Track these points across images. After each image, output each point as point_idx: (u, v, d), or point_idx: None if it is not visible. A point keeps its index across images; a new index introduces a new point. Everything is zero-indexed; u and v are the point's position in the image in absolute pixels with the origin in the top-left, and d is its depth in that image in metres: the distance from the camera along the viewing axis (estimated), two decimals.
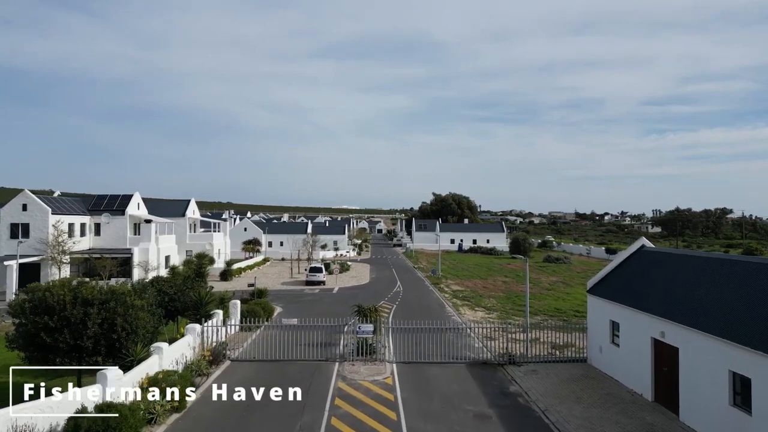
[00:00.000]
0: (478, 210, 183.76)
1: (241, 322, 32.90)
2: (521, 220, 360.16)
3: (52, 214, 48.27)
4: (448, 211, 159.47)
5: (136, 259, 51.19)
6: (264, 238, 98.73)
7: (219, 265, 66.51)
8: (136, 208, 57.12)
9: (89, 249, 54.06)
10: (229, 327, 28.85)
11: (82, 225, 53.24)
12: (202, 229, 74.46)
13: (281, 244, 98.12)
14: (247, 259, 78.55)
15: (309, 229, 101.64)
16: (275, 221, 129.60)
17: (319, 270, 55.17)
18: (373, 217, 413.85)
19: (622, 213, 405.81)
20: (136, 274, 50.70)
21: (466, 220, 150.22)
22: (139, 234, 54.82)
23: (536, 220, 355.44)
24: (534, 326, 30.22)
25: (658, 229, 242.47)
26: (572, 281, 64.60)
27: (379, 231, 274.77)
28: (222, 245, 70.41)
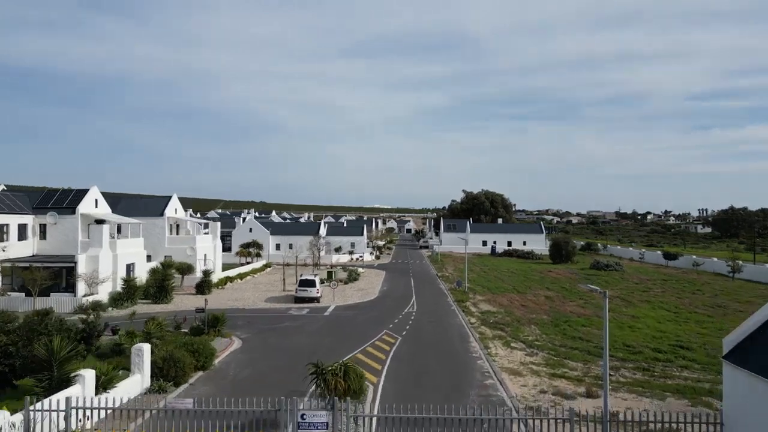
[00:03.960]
0: (513, 209, 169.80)
1: (152, 378, 21.66)
2: (558, 219, 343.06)
3: None
4: (481, 209, 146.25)
5: (81, 269, 40.82)
6: (270, 240, 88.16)
7: (215, 273, 55.87)
8: (92, 206, 46.92)
9: (32, 255, 44.06)
10: (94, 407, 17.15)
11: (21, 226, 43.26)
12: (205, 231, 64.16)
13: (290, 246, 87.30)
14: (242, 265, 67.87)
15: (322, 230, 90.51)
16: (286, 221, 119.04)
17: (310, 284, 43.69)
18: (403, 216, 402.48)
19: (666, 212, 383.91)
20: (81, 288, 40.29)
21: (500, 220, 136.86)
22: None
23: (574, 220, 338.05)
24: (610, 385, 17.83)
25: (707, 230, 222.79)
26: (632, 297, 51.37)
27: (408, 231, 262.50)
28: (209, 249, 59.90)
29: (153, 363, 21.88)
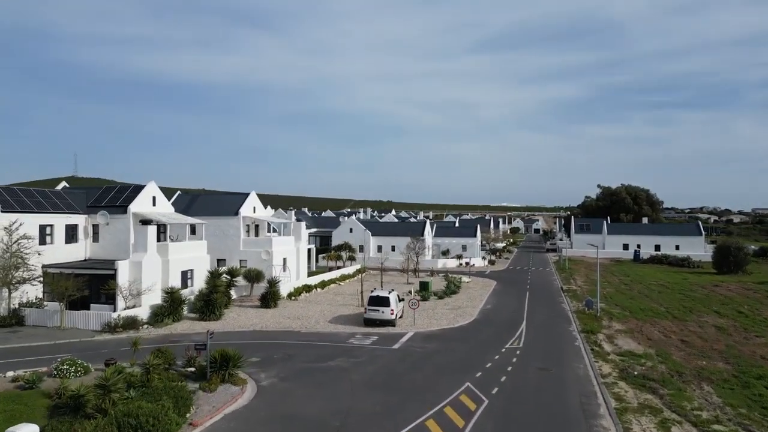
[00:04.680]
0: (661, 207, 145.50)
1: None
2: (716, 218, 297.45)
3: (3, 211, 34.08)
4: (621, 207, 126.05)
5: (122, 278, 35.12)
6: (372, 242, 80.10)
7: (289, 281, 48.99)
8: (148, 204, 41.56)
9: (84, 260, 39.62)
10: None
11: (70, 227, 38.88)
12: (274, 233, 57.67)
13: (392, 248, 78.54)
14: (331, 270, 60.16)
15: (427, 230, 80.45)
16: (397, 220, 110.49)
17: (382, 302, 33.81)
18: (533, 215, 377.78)
19: None
20: (120, 302, 34.50)
21: (645, 220, 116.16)
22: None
23: (736, 219, 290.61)
24: None
25: None
26: None
27: (536, 231, 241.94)
28: (290, 253, 52.80)
29: None
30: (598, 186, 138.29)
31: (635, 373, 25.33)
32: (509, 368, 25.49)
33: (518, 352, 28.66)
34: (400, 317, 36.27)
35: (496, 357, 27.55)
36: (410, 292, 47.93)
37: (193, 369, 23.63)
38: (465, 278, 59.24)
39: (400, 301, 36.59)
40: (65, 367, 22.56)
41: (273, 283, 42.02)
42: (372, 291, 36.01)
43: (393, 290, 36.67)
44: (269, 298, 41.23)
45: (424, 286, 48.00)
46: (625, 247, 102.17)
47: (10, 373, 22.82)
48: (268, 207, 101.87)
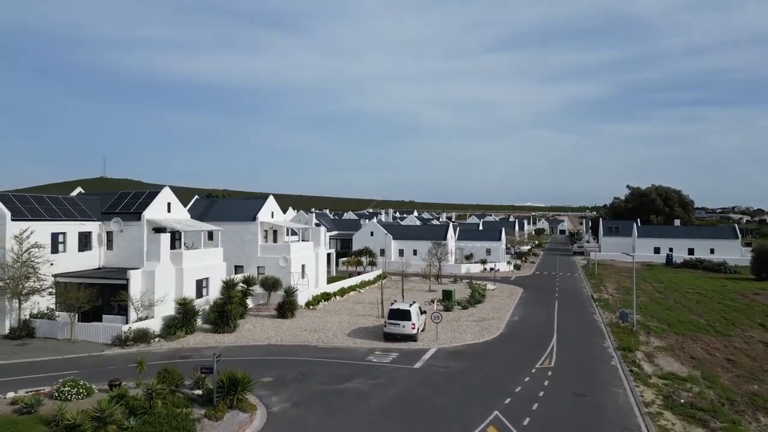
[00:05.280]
0: (693, 208, 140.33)
1: None
2: (749, 218, 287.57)
3: (12, 219, 33.19)
4: (650, 208, 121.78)
5: (134, 289, 33.96)
6: (393, 246, 78.24)
7: (307, 289, 47.63)
8: (163, 210, 40.44)
9: (98, 268, 38.68)
10: None
11: (84, 235, 37.93)
12: (294, 238, 56.24)
13: (414, 252, 76.56)
14: (351, 276, 58.52)
15: (450, 234, 78.25)
16: (419, 222, 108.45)
17: (403, 315, 31.90)
18: (558, 215, 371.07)
19: None
20: (132, 313, 33.34)
21: (677, 222, 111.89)
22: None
23: None
24: None
25: None
26: None
27: (562, 232, 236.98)
28: (309, 259, 51.30)
29: None
30: (627, 187, 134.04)
31: (682, 400, 22.99)
32: (541, 393, 23.39)
33: (550, 374, 26.51)
34: (422, 330, 34.36)
35: (526, 379, 25.46)
36: (432, 301, 45.95)
37: (200, 392, 22.12)
38: (490, 285, 56.99)
39: (422, 313, 34.66)
40: (67, 388, 21.31)
41: (290, 293, 40.49)
42: (392, 303, 34.15)
43: (414, 302, 34.74)
44: (286, 308, 39.74)
45: (447, 295, 45.97)
46: (657, 250, 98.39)
47: (11, 395, 21.69)
48: (290, 208, 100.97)
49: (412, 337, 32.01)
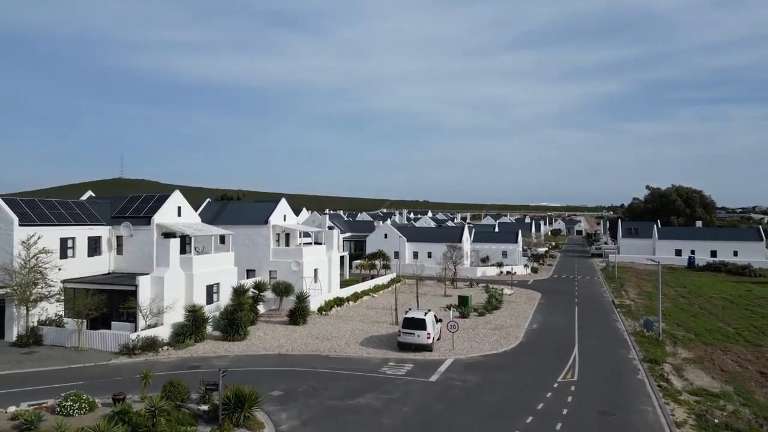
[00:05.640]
0: (715, 208, 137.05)
1: None
2: None
3: (20, 224, 32.63)
4: (671, 209, 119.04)
5: (143, 295, 33.25)
6: (407, 248, 77.08)
7: (319, 294, 46.74)
8: (173, 215, 39.73)
9: (107, 273, 38.10)
10: None
11: (93, 240, 37.35)
12: (307, 240, 55.29)
13: (428, 255, 75.34)
14: (364, 280, 57.47)
15: (465, 236, 76.85)
16: (434, 224, 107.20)
17: (418, 324, 30.73)
18: (574, 215, 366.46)
19: None
20: (141, 320, 32.62)
21: (698, 223, 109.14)
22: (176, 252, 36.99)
23: None
24: None
25: None
26: None
27: (578, 233, 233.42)
28: (322, 263, 50.36)
29: None
30: (647, 187, 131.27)
31: (716, 420, 21.55)
32: (565, 411, 22.08)
33: (573, 388, 25.18)
34: (438, 339, 33.14)
35: (548, 395, 24.16)
36: (448, 307, 44.75)
37: (206, 407, 21.19)
38: (507, 290, 55.55)
39: (437, 322, 33.43)
40: (69, 403, 20.54)
41: (302, 299, 39.53)
42: (406, 312, 32.98)
43: (429, 310, 33.53)
44: (297, 315, 38.80)
45: (463, 301, 44.67)
46: (678, 252, 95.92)
47: (12, 409, 20.94)
48: (303, 209, 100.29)
49: (427, 347, 30.83)
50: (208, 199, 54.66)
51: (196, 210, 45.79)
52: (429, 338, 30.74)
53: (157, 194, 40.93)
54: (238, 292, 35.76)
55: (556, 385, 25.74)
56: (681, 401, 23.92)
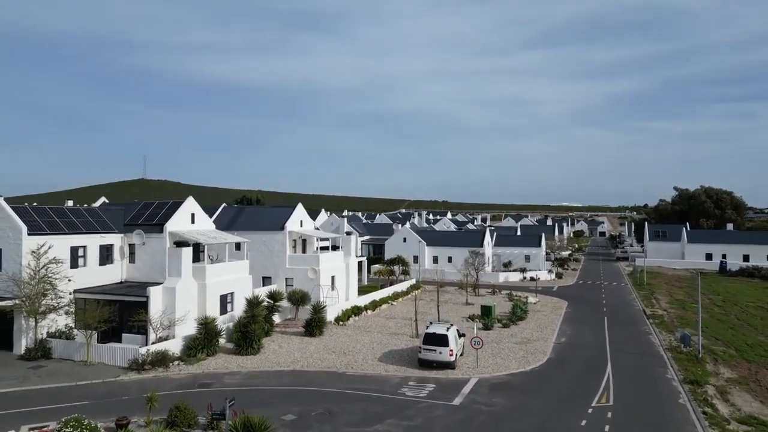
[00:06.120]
0: (746, 210, 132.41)
1: None
2: None
3: (29, 233, 31.72)
4: (700, 211, 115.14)
5: (154, 307, 32.13)
6: (426, 253, 75.30)
7: (337, 303, 45.34)
8: (186, 222, 38.60)
9: (120, 282, 37.12)
10: None
11: (105, 248, 36.37)
12: (324, 243, 53.78)
13: (449, 260, 73.47)
14: (383, 287, 55.87)
15: (487, 240, 74.76)
16: (452, 228, 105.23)
17: (440, 341, 28.99)
18: (596, 215, 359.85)
19: None
20: (152, 334, 31.47)
21: (729, 226, 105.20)
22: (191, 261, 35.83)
23: None
24: None
25: None
26: None
27: (601, 234, 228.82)
28: (340, 270, 48.91)
29: None
30: (675, 189, 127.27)
31: None
32: None
33: (609, 415, 23.21)
34: (461, 355, 31.37)
35: (583, 423, 22.25)
36: (471, 318, 42.98)
37: None
38: (531, 298, 53.45)
39: (460, 336, 31.66)
40: (69, 429, 19.29)
41: (318, 309, 38.12)
42: (427, 326, 31.26)
43: (452, 325, 31.75)
44: (314, 326, 37.39)
45: (486, 312, 42.81)
46: (708, 257, 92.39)
47: None
48: (322, 210, 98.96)
49: (449, 365, 29.09)
50: (223, 204, 53.64)
51: (212, 214, 44.75)
52: (452, 355, 28.98)
53: (171, 201, 39.86)
54: (252, 303, 34.38)
55: (590, 410, 23.80)
56: (730, 431, 21.81)
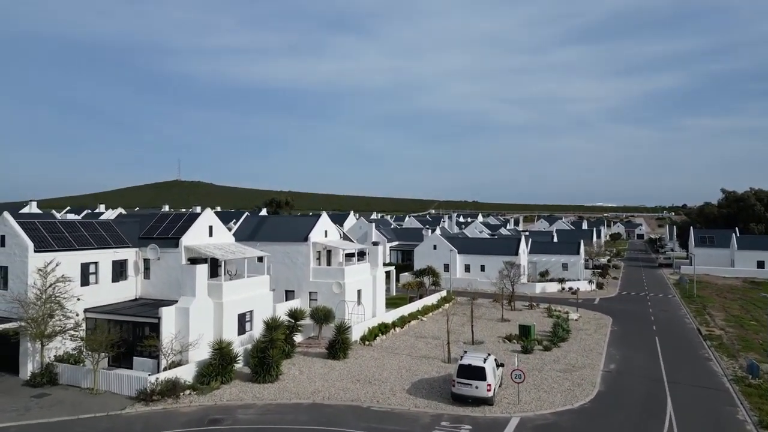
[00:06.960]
0: None
1: None
2: None
3: (36, 251, 29.90)
4: (749, 215, 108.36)
5: (166, 329, 29.96)
6: (458, 261, 71.92)
7: (363, 320, 42.67)
8: (204, 235, 36.42)
9: (135, 299, 35.17)
10: None
11: (118, 263, 34.40)
12: (350, 250, 50.99)
13: (482, 269, 69.99)
14: (412, 300, 52.86)
15: (522, 248, 70.91)
16: (474, 235, 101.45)
17: (476, 374, 25.82)
18: (632, 216, 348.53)
19: None
20: (163, 360, 29.26)
21: None
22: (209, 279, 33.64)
23: None
24: None
25: None
26: None
27: (639, 237, 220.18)
28: (366, 283, 46.15)
29: None
30: (722, 191, 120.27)
31: None
32: None
33: None
34: (499, 387, 28.18)
35: None
36: (508, 338, 39.70)
37: None
38: (573, 314, 49.69)
39: (498, 366, 28.46)
40: None
41: (342, 330, 35.40)
42: (462, 356, 28.09)
43: (489, 355, 28.50)
44: (338, 348, 34.69)
45: (525, 332, 39.40)
46: (761, 264, 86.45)
47: None
48: (351, 213, 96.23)
49: (487, 401, 25.93)
50: (246, 213, 51.58)
51: (236, 220, 42.56)
52: (489, 390, 25.82)
53: (188, 213, 37.79)
54: (270, 327, 31.81)
55: None
56: None
